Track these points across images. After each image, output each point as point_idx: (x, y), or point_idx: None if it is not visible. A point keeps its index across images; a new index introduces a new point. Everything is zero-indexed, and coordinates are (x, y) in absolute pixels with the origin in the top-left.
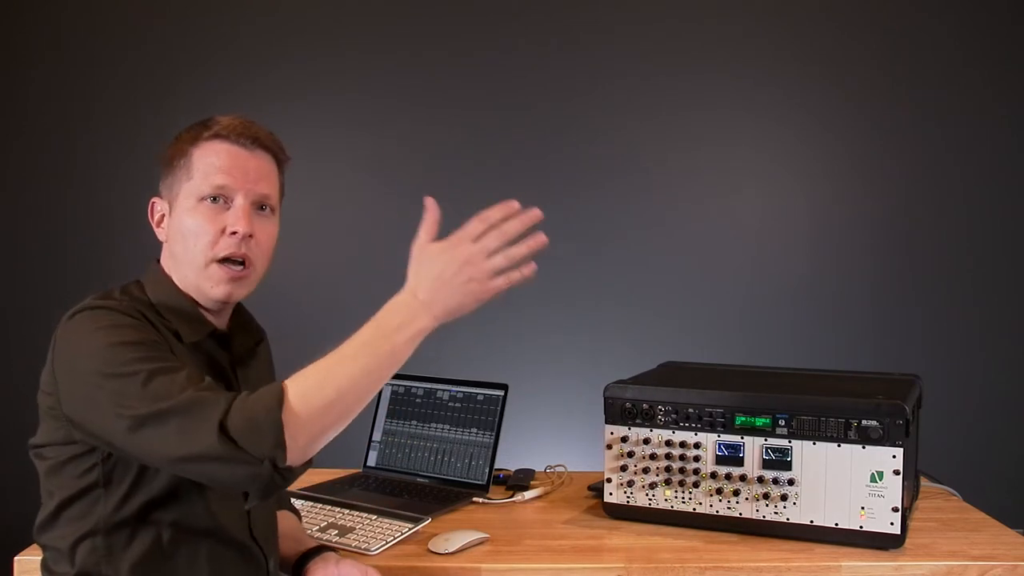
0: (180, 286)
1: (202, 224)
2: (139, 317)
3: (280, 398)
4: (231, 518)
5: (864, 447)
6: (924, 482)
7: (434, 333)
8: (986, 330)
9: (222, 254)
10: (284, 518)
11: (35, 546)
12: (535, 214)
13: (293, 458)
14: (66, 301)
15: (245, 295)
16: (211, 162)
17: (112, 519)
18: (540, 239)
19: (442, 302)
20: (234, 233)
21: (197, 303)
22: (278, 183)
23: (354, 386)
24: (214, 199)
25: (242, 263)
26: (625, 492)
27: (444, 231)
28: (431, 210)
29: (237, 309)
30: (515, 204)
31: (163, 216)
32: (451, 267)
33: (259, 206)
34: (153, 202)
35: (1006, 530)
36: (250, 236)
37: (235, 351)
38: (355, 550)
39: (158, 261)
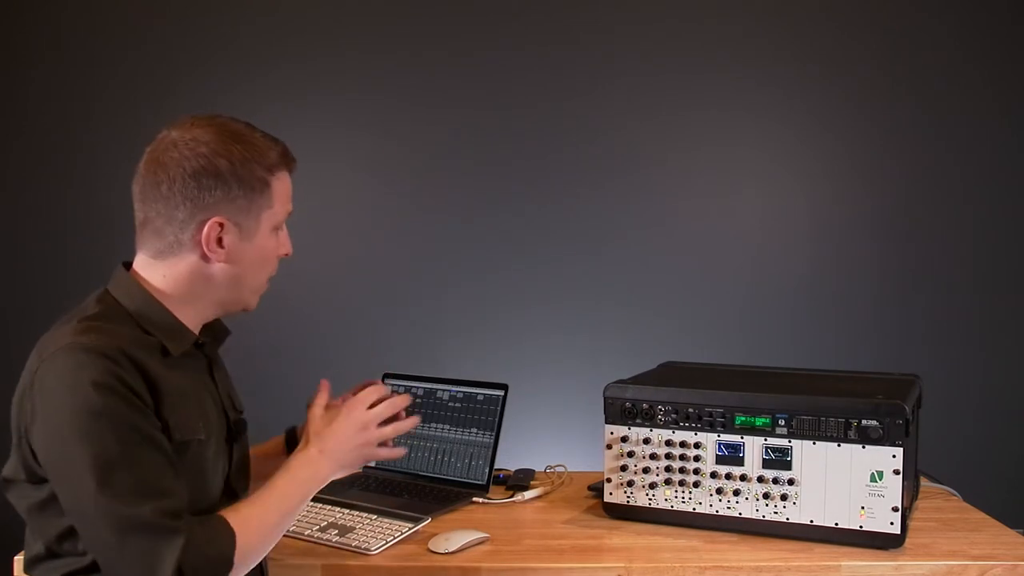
0: (184, 303)
1: (275, 250)
2: (123, 365)
3: (232, 550)
4: None
5: (864, 447)
6: (924, 482)
7: (434, 333)
8: (986, 330)
9: (275, 273)
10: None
11: None
12: (407, 398)
13: None
14: (66, 301)
15: None
16: (286, 192)
17: None
18: (412, 421)
19: (341, 458)
20: (285, 255)
21: (173, 313)
22: None
23: (280, 526)
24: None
25: None
26: (625, 492)
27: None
28: (323, 390)
29: None
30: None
31: (224, 237)
32: (350, 429)
33: None
34: (219, 223)
35: (1006, 530)
36: None
37: (209, 354)
38: (355, 550)
39: (125, 268)
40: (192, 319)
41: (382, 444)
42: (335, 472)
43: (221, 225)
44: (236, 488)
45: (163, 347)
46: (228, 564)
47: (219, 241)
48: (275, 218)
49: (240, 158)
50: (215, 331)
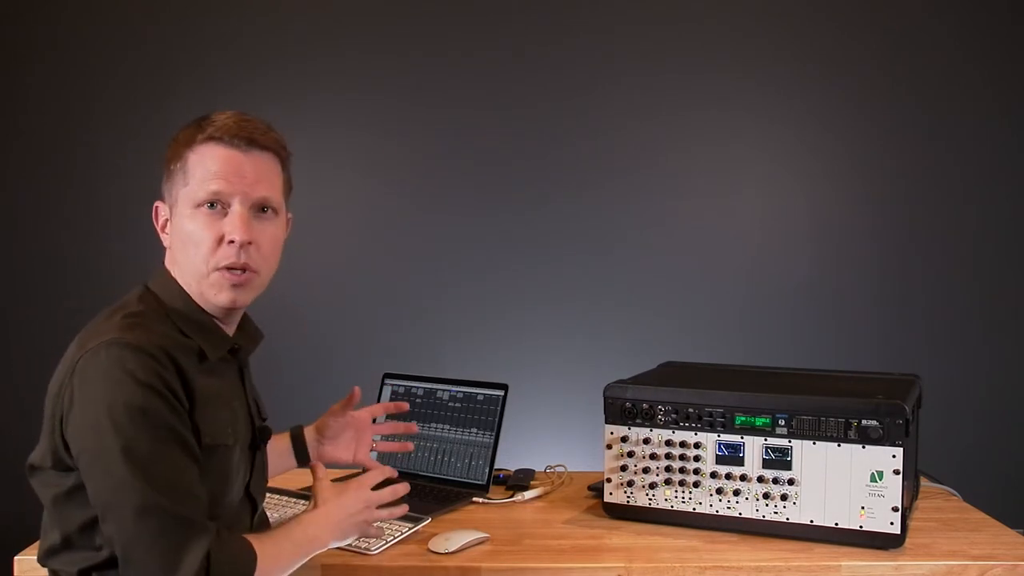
0: (189, 292)
1: (200, 232)
2: (165, 365)
3: (254, 568)
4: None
5: (864, 447)
6: (924, 482)
7: (434, 333)
8: (986, 330)
9: (222, 263)
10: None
11: (35, 546)
12: (405, 486)
13: None
14: (66, 301)
15: (251, 300)
16: (207, 167)
17: None
18: (402, 509)
19: (343, 529)
20: (231, 242)
21: (213, 317)
22: (280, 181)
23: (281, 572)
24: (211, 205)
25: (242, 270)
26: (625, 492)
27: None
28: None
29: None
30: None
31: (166, 221)
32: (356, 506)
33: (260, 208)
34: (156, 206)
35: (1006, 530)
36: (249, 243)
37: (242, 359)
38: (355, 550)
39: (165, 265)
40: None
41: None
42: (334, 540)
43: (157, 208)
44: (255, 495)
45: (200, 351)
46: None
47: (164, 226)
48: (193, 196)
49: (174, 139)
50: (249, 334)
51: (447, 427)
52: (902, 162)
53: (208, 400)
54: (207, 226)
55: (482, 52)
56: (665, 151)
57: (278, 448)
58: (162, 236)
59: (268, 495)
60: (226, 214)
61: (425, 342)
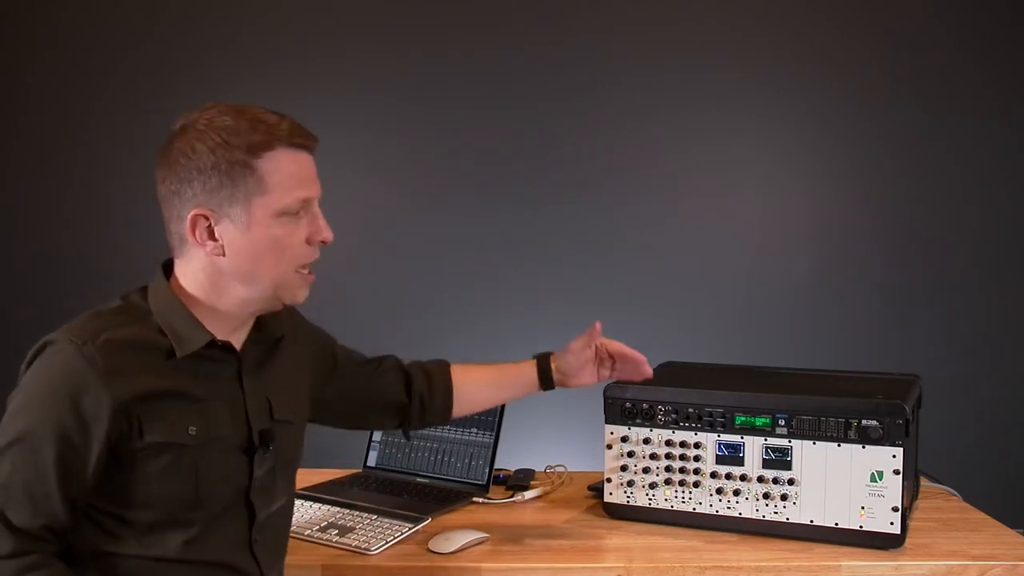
0: (213, 301)
1: (288, 237)
2: (92, 370)
3: None
4: (223, 542)
5: (864, 447)
6: (924, 482)
7: (434, 333)
8: (986, 330)
9: (307, 262)
10: (465, 380)
11: None
12: None
13: None
14: (66, 301)
15: None
16: (290, 174)
17: (100, 550)
18: None
19: None
20: (323, 242)
21: (214, 312)
22: None
23: None
24: (296, 212)
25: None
26: (625, 492)
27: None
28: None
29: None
30: None
31: (209, 228)
32: None
33: None
34: (197, 215)
35: (1006, 530)
36: None
37: (244, 358)
38: (355, 550)
39: (164, 268)
40: (224, 319)
41: None
42: None
43: (205, 218)
44: (256, 503)
45: (170, 349)
46: None
47: (211, 234)
48: (275, 204)
49: (216, 144)
50: (265, 330)
51: (447, 427)
52: (902, 162)
53: (163, 397)
54: (294, 231)
55: (482, 52)
56: (665, 151)
57: (523, 379)
58: (204, 245)
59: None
60: (303, 216)
61: (425, 342)
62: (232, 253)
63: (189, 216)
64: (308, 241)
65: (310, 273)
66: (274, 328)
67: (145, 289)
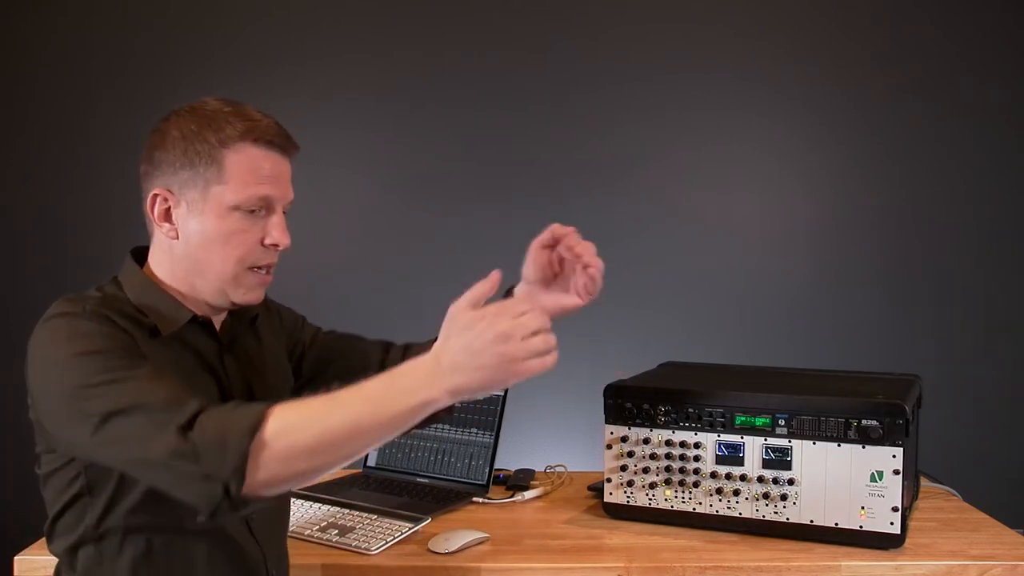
0: (173, 282)
1: (238, 234)
2: (106, 321)
3: (257, 424)
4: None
5: (864, 447)
6: (924, 482)
7: (434, 333)
8: (986, 330)
9: (259, 264)
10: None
11: (35, 546)
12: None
13: (250, 490)
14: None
15: None
16: (253, 170)
17: (100, 527)
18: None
19: (465, 376)
20: (274, 246)
21: (171, 295)
22: None
23: (340, 439)
24: (253, 209)
25: (267, 269)
26: (625, 492)
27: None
28: (490, 281)
29: None
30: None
31: (167, 210)
32: (485, 339)
33: (283, 210)
34: (157, 194)
35: (1006, 530)
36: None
37: (223, 336)
38: (355, 550)
39: (132, 257)
40: (194, 304)
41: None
42: (452, 395)
43: (164, 199)
44: None
45: (154, 328)
46: (243, 449)
47: (167, 216)
48: (230, 196)
49: (192, 129)
50: (242, 311)
51: (447, 427)
52: (903, 162)
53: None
54: (247, 229)
55: (482, 52)
56: (665, 151)
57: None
58: (160, 226)
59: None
60: (264, 216)
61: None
62: (183, 238)
63: (150, 194)
64: (262, 242)
65: (267, 274)
66: (246, 309)
67: (116, 279)
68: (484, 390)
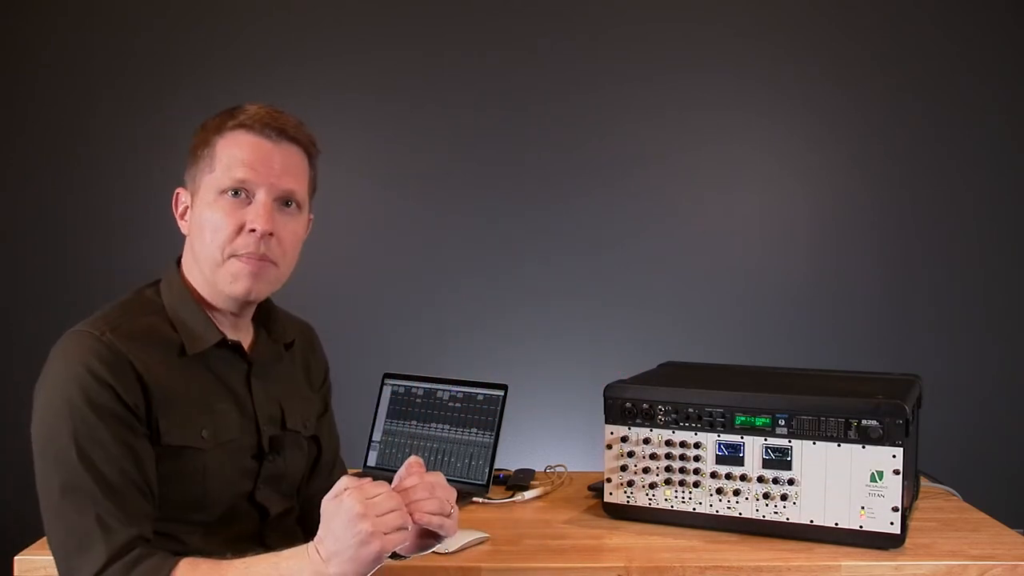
0: (197, 285)
1: (221, 218)
2: (109, 388)
3: None
4: (229, 538)
5: (864, 447)
6: (924, 482)
7: (434, 333)
8: (986, 330)
9: (240, 251)
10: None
11: (35, 546)
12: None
13: None
14: (66, 300)
15: (267, 294)
16: (234, 154)
17: None
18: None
19: (340, 565)
20: (252, 230)
21: (212, 307)
22: (307, 177)
23: None
24: (235, 193)
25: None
26: (625, 492)
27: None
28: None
29: (268, 312)
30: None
31: (186, 208)
32: (342, 521)
33: (284, 202)
34: (178, 193)
35: (1006, 530)
36: (270, 234)
37: (254, 359)
38: None
39: (176, 260)
40: (222, 315)
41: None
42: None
43: (181, 196)
44: (268, 506)
45: (181, 346)
46: None
47: (184, 212)
48: (215, 182)
49: (203, 126)
50: (273, 332)
51: (447, 427)
52: (903, 162)
53: (175, 399)
54: (228, 213)
55: (482, 52)
56: (665, 151)
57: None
58: (180, 224)
59: None
60: (250, 203)
61: (425, 342)
62: (189, 230)
63: (174, 193)
64: (242, 227)
65: (256, 263)
66: (282, 332)
67: (158, 283)
68: (367, 567)
